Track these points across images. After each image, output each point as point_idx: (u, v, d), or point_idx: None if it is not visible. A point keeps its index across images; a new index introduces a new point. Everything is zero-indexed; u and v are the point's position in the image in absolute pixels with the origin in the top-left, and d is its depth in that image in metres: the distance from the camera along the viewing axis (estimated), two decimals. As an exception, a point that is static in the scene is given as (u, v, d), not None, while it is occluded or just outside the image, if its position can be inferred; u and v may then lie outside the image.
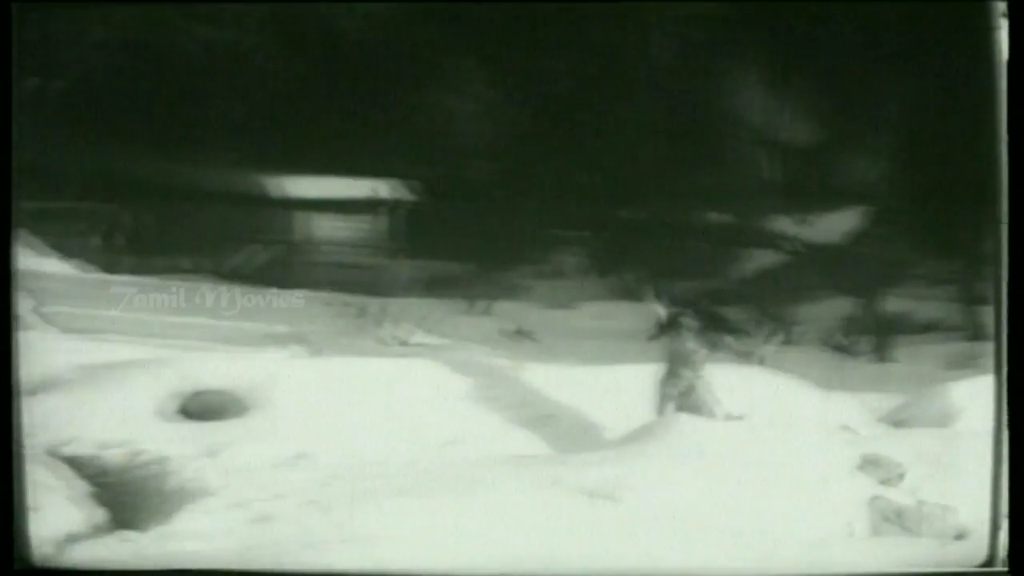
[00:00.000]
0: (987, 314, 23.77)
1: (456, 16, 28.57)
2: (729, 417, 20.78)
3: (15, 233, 13.52)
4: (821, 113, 27.88)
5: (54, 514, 16.85)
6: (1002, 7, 12.02)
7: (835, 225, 27.14)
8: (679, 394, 20.82)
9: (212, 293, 26.31)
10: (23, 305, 24.49)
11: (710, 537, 17.19)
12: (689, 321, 21.56)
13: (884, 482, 18.33)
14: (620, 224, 28.46)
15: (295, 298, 26.06)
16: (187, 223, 28.88)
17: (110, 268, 27.97)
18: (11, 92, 12.83)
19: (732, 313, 24.80)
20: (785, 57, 27.80)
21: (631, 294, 27.04)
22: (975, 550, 16.56)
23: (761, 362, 24.69)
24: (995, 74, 12.67)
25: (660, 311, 21.83)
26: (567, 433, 20.69)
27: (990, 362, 21.17)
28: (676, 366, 21.10)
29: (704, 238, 28.78)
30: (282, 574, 10.39)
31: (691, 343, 21.44)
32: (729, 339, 22.02)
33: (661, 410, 20.54)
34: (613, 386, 21.56)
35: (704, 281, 27.91)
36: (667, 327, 21.50)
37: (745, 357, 23.85)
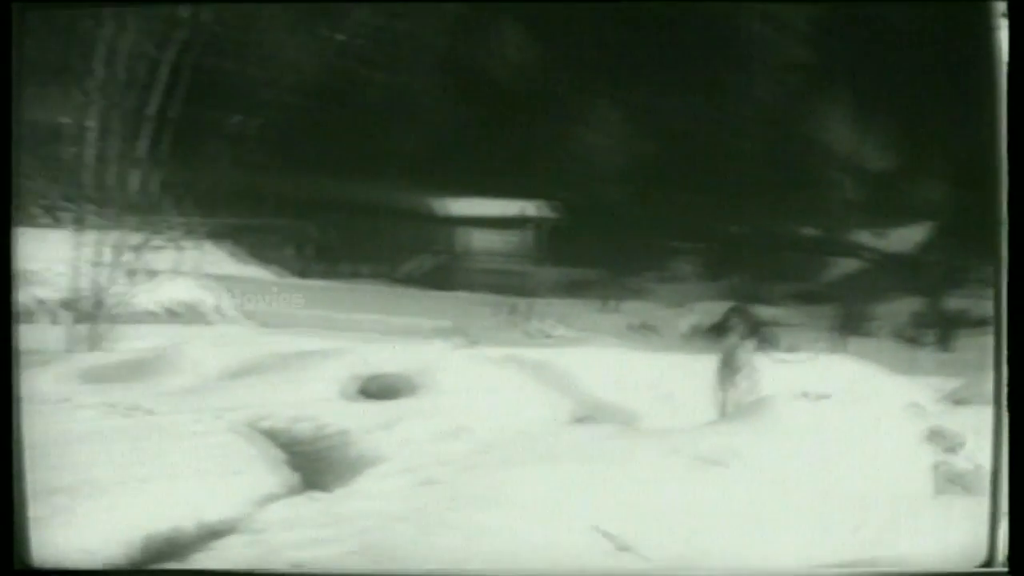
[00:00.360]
0: None
1: (594, 63, 31.23)
2: (819, 396, 21.91)
3: (15, 233, 12.72)
4: (893, 143, 31.33)
5: (254, 478, 17.69)
6: (1002, 7, 11.47)
7: (905, 237, 28.50)
8: (731, 382, 23.19)
9: (388, 294, 30.26)
10: (229, 303, 29.46)
11: (804, 493, 17.93)
12: (737, 323, 23.43)
13: (947, 450, 20.27)
14: (728, 237, 30.46)
15: (456, 298, 29.77)
16: (367, 236, 31.90)
17: (302, 274, 31.41)
18: (11, 92, 12.02)
19: (781, 315, 27.48)
20: (862, 97, 30.36)
21: (737, 295, 29.20)
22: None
23: (845, 350, 27.16)
24: (995, 74, 11.70)
25: (712, 315, 23.64)
26: (683, 410, 22.30)
27: None
28: (728, 360, 23.53)
29: (798, 248, 29.71)
30: (283, 574, 10.48)
31: (739, 341, 23.57)
32: (771, 338, 23.42)
33: (718, 393, 23.23)
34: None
35: (797, 284, 29.53)
36: (719, 328, 23.48)
37: (794, 352, 25.17)
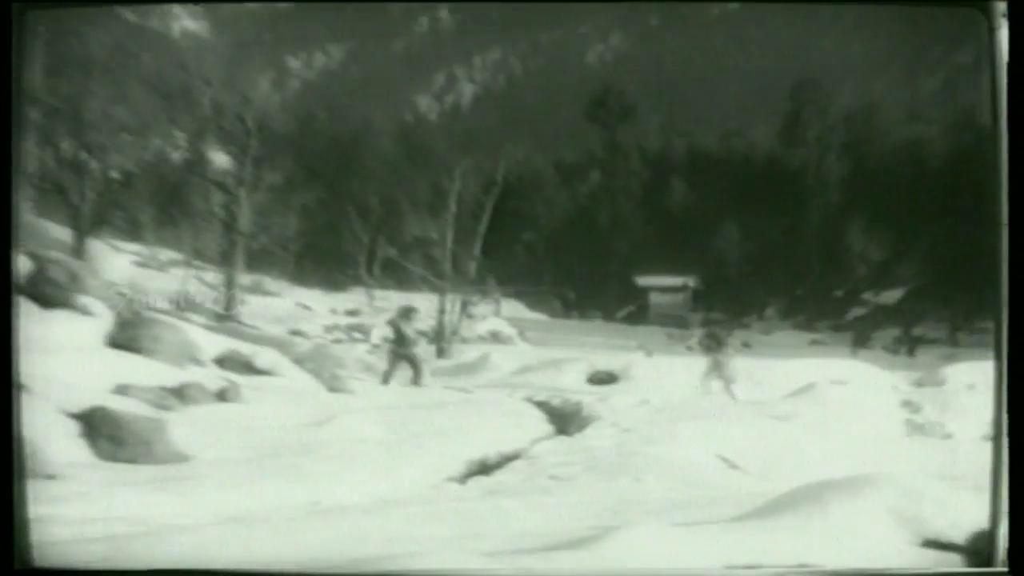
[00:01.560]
0: (962, 333, 30.54)
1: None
2: (841, 382, 23.26)
3: (15, 234, 9.20)
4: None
5: (530, 428, 17.63)
6: (1002, 7, 8.57)
7: (890, 296, 32.25)
8: (714, 379, 24.14)
9: (608, 328, 33.49)
10: (518, 334, 32.26)
11: (836, 433, 18.61)
12: (717, 337, 24.67)
13: (913, 411, 21.49)
14: (796, 297, 33.59)
15: (646, 330, 30.76)
16: (599, 296, 34.90)
17: (561, 316, 36.38)
18: (11, 92, 8.88)
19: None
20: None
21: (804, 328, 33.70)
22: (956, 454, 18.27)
23: (856, 354, 30.20)
24: (995, 74, 8.62)
25: (699, 332, 25.38)
26: (768, 390, 23.60)
27: (962, 356, 27.67)
28: (712, 363, 24.27)
29: (833, 302, 33.52)
30: (283, 574, 7.67)
31: (719, 349, 24.58)
32: (726, 347, 24.94)
33: (704, 388, 23.86)
34: (791, 370, 25.13)
35: (834, 320, 32.58)
36: (704, 340, 24.75)
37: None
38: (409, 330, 22.76)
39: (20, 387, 9.30)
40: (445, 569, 6.94)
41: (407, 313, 23.04)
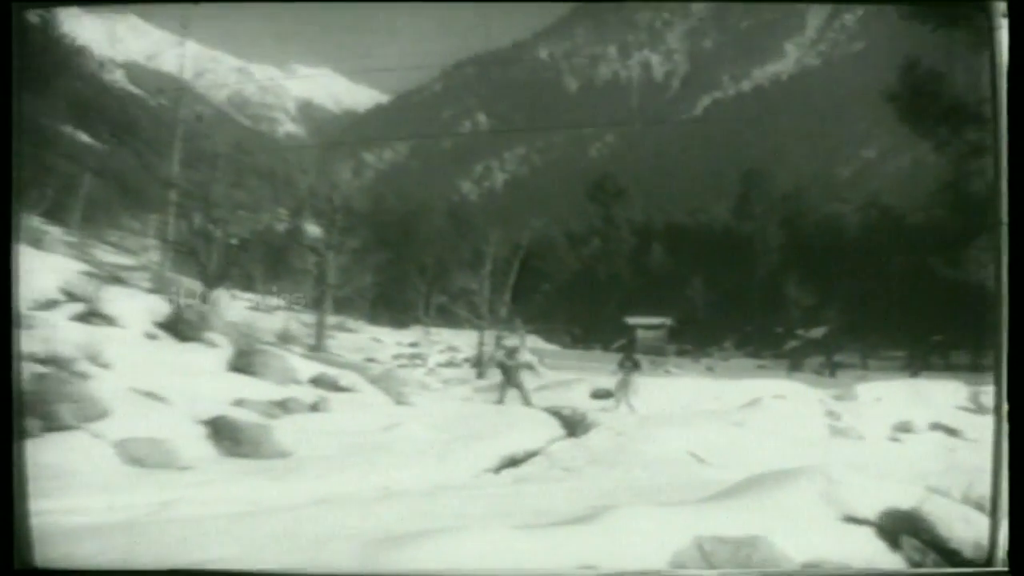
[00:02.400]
0: (871, 360, 29.67)
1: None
2: (777, 397, 22.20)
3: (15, 235, 8.84)
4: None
5: (548, 432, 17.31)
6: (1002, 7, 7.95)
7: (815, 333, 32.79)
8: (624, 392, 22.43)
9: (604, 356, 31.85)
10: (537, 360, 29.57)
11: (775, 434, 18.36)
12: (633, 361, 23.35)
13: (833, 419, 20.61)
14: (748, 331, 32.36)
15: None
16: (597, 332, 34.42)
17: (568, 347, 34.62)
18: (11, 92, 8.50)
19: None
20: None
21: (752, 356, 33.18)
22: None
23: (792, 376, 29.24)
24: (995, 73, 8.01)
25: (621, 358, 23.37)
26: (726, 402, 22.00)
27: (871, 377, 26.68)
28: (623, 379, 22.63)
29: (775, 337, 32.19)
30: (281, 574, 6.88)
31: (632, 371, 23.06)
32: (638, 369, 23.65)
33: (617, 399, 22.16)
34: (743, 388, 23.40)
35: (771, 350, 33.67)
36: (624, 362, 23.32)
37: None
38: (512, 363, 22.63)
39: (21, 391, 8.62)
40: (445, 569, 6.67)
41: (510, 352, 23.30)
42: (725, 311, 31.79)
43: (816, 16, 56.00)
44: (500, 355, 24.20)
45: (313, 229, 30.15)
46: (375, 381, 19.48)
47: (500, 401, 21.65)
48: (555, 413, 19.78)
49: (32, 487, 8.00)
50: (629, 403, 21.93)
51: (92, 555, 7.33)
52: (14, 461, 7.95)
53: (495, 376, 26.66)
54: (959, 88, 24.52)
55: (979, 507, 8.41)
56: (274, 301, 30.66)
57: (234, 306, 27.83)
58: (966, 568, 7.83)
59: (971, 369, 28.23)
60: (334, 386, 17.59)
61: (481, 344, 28.61)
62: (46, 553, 7.74)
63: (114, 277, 19.68)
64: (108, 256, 24.93)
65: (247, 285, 30.81)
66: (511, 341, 29.92)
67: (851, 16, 52.43)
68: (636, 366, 23.13)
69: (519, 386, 22.02)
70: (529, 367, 22.12)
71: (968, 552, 7.98)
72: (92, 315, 16.49)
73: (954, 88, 24.71)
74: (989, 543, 7.85)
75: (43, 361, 12.99)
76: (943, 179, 25.51)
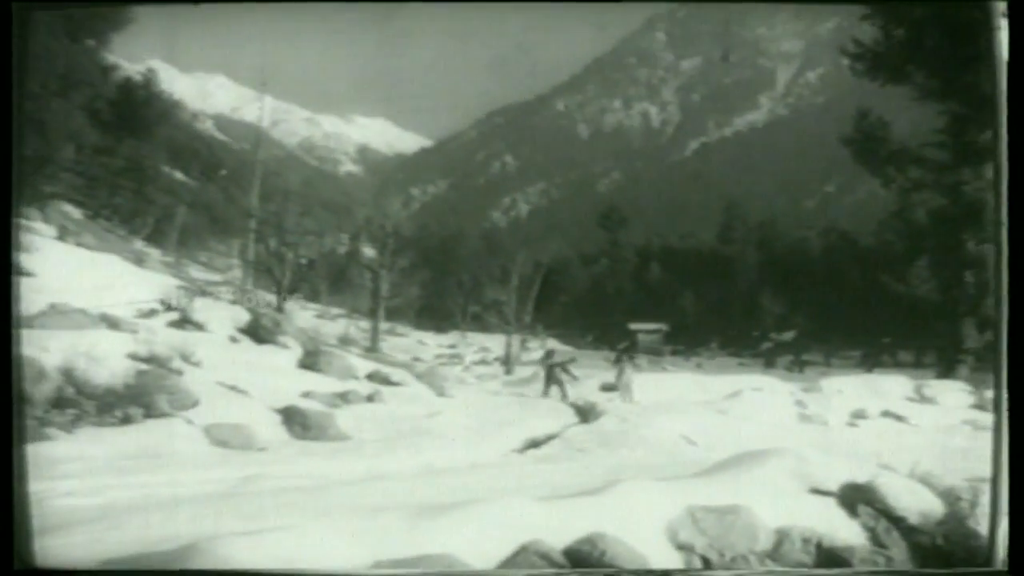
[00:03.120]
0: (833, 359, 29.08)
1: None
2: (755, 389, 21.94)
3: (15, 235, 7.34)
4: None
5: (563, 419, 17.02)
6: (1002, 7, 6.75)
7: (785, 337, 32.08)
8: (621, 384, 21.88)
9: (612, 356, 29.09)
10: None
11: (751, 419, 18.27)
12: (622, 358, 23.39)
13: (801, 407, 20.26)
14: (731, 335, 32.47)
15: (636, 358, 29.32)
16: (607, 336, 32.14)
17: (582, 347, 32.86)
18: (11, 92, 6.95)
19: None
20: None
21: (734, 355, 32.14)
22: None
23: (767, 372, 28.76)
24: (996, 73, 6.73)
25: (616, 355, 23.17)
26: (713, 394, 21.37)
27: (833, 373, 26.04)
28: (620, 373, 22.05)
29: (753, 340, 31.92)
30: (281, 574, 5.88)
31: (623, 366, 22.58)
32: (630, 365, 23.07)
33: (619, 389, 21.58)
34: (727, 382, 22.99)
35: (749, 350, 32.60)
36: (615, 360, 23.12)
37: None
38: (553, 363, 21.95)
39: (21, 397, 7.45)
40: (447, 569, 6.21)
41: (549, 355, 23.09)
42: (711, 318, 31.93)
43: (785, 73, 56.14)
44: (543, 359, 23.57)
45: (369, 251, 30.38)
46: (420, 377, 19.34)
47: (545, 395, 21.04)
48: (570, 403, 19.45)
49: (32, 487, 6.83)
50: (629, 392, 21.45)
51: (189, 521, 7.18)
52: (14, 461, 6.78)
53: (522, 372, 26.74)
54: (903, 134, 25.58)
55: (923, 481, 8.13)
56: (336, 311, 31.12)
57: (303, 314, 28.31)
58: (966, 568, 7.15)
59: (915, 366, 28.46)
60: (386, 381, 17.48)
61: (509, 346, 28.33)
62: (150, 519, 7.41)
63: (203, 291, 19.37)
64: (198, 273, 25.05)
65: (314, 297, 31.14)
66: (542, 344, 30.38)
67: (813, 74, 52.64)
68: (630, 361, 22.73)
69: (560, 383, 21.42)
70: (565, 369, 21.72)
71: (913, 519, 7.67)
72: (185, 322, 16.59)
73: (898, 134, 25.58)
74: (989, 543, 6.97)
75: (144, 360, 13.10)
76: (890, 209, 25.69)
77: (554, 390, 21.33)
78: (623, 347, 31.66)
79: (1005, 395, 6.87)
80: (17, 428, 6.88)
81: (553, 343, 29.75)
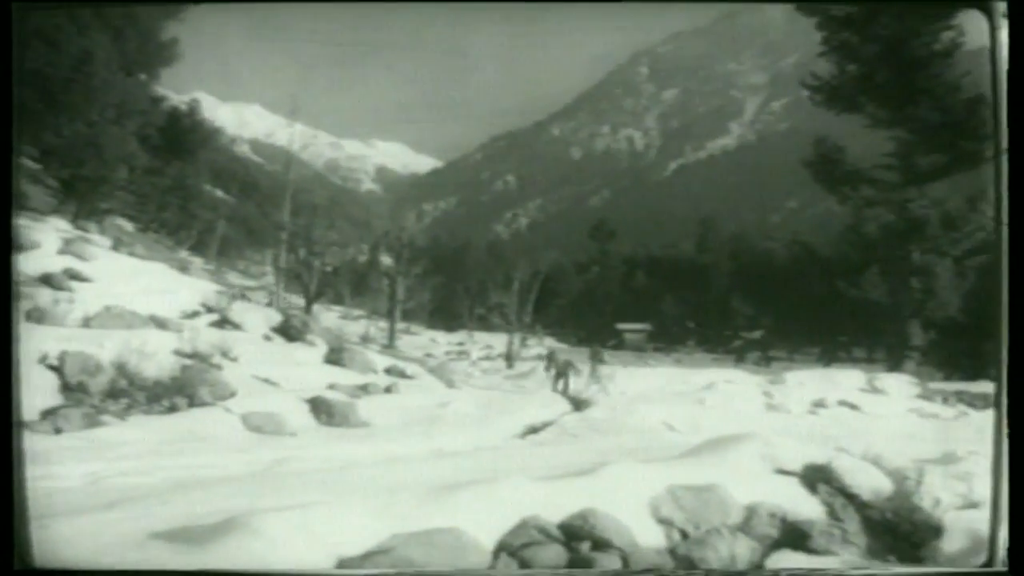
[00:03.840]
0: (795, 355, 28.69)
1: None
2: (728, 382, 21.97)
3: (15, 236, 6.44)
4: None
5: (562, 407, 17.45)
6: (1002, 7, 6.12)
7: (754, 335, 30.48)
8: (595, 382, 21.10)
9: (602, 353, 27.98)
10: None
11: (729, 406, 18.32)
12: (599, 355, 22.21)
13: (768, 397, 20.03)
14: (707, 334, 32.07)
15: (620, 354, 28.78)
16: (596, 334, 31.78)
17: (573, 346, 32.37)
18: (11, 92, 6.11)
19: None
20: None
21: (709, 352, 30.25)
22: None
23: (738, 366, 27.68)
24: (996, 72, 6.09)
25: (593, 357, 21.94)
26: (691, 386, 21.34)
27: (795, 367, 25.54)
28: (592, 368, 21.50)
29: (725, 338, 31.72)
30: (282, 574, 5.63)
31: (598, 362, 22.00)
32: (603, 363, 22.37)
33: (588, 387, 20.45)
34: (703, 375, 22.78)
35: (722, 347, 31.74)
36: (592, 353, 22.30)
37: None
38: (557, 363, 21.46)
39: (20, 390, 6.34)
40: (447, 570, 6.11)
41: (552, 354, 22.46)
42: (689, 319, 31.97)
43: (752, 103, 56.48)
44: (549, 356, 22.95)
45: (386, 260, 30.43)
46: (432, 370, 19.30)
47: (554, 390, 20.32)
48: (564, 394, 19.24)
49: (31, 488, 6.24)
50: (603, 386, 20.82)
51: (227, 497, 7.18)
52: (14, 462, 6.20)
53: (522, 366, 26.58)
54: (856, 157, 25.79)
55: (874, 462, 8.19)
56: (358, 312, 31.16)
57: (328, 316, 28.47)
58: (966, 568, 6.63)
59: (867, 361, 28.67)
60: (402, 374, 17.38)
61: (510, 343, 28.22)
62: (193, 495, 7.45)
63: (240, 295, 19.19)
64: (236, 279, 25.10)
65: (338, 300, 31.20)
66: (540, 341, 30.35)
67: (777, 104, 53.05)
68: (600, 360, 22.03)
69: (566, 380, 20.92)
70: (571, 365, 21.41)
71: (866, 495, 7.74)
72: (224, 322, 16.55)
73: (852, 157, 25.81)
74: (989, 543, 6.33)
75: (188, 355, 13.23)
76: (846, 223, 26.03)
77: (560, 384, 20.94)
78: (613, 344, 31.63)
79: (1005, 395, 6.27)
80: (17, 429, 6.37)
81: (550, 341, 29.84)
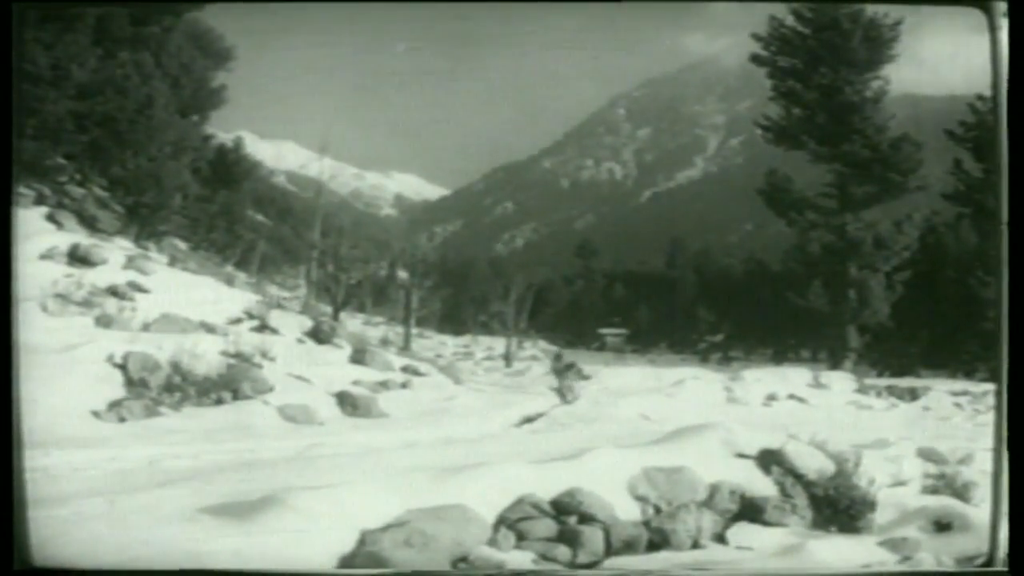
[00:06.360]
0: (752, 355, 27.85)
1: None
2: (694, 378, 21.03)
3: (15, 237, 5.88)
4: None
5: (549, 401, 17.45)
6: (1002, 7, 5.66)
7: (719, 338, 30.64)
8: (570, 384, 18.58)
9: (589, 356, 28.54)
10: (539, 355, 27.76)
11: (697, 400, 17.94)
12: (567, 363, 18.82)
13: (730, 392, 19.53)
14: (676, 337, 32.00)
15: (602, 355, 28.36)
16: (582, 338, 30.83)
17: (562, 348, 29.63)
18: (11, 92, 5.67)
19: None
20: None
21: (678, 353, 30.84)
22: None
23: (703, 366, 27.79)
24: (997, 72, 5.65)
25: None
26: (663, 383, 20.49)
27: (752, 365, 25.03)
28: (566, 375, 18.55)
29: (692, 341, 31.55)
30: (282, 574, 5.34)
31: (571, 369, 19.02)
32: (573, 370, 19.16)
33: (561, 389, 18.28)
34: (673, 373, 21.78)
35: (689, 349, 31.22)
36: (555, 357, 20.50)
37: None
38: (559, 367, 19.65)
39: (19, 388, 5.76)
40: (447, 570, 6.07)
41: (558, 357, 20.70)
42: (660, 325, 31.68)
43: (714, 140, 56.73)
44: (553, 361, 21.03)
45: (402, 274, 30.48)
46: (442, 369, 19.06)
47: (559, 388, 18.76)
48: (554, 389, 18.63)
49: (31, 488, 5.75)
50: (569, 391, 18.56)
51: (265, 478, 7.25)
52: (14, 462, 5.66)
53: (518, 365, 26.43)
54: (802, 186, 25.91)
55: (819, 448, 8.34)
56: (377, 319, 31.17)
57: (353, 322, 28.33)
58: (966, 568, 6.13)
59: (812, 361, 28.56)
60: (415, 372, 17.12)
61: (508, 346, 27.81)
62: (236, 476, 7.50)
63: (277, 304, 19.11)
64: (274, 291, 24.98)
65: (361, 309, 31.17)
66: (534, 344, 30.00)
67: (735, 141, 53.22)
68: (569, 367, 19.31)
69: (569, 381, 19.35)
70: (572, 367, 20.76)
71: (812, 476, 7.89)
72: (264, 327, 16.39)
73: (798, 186, 25.93)
74: (989, 543, 5.89)
75: (233, 356, 13.19)
76: (793, 243, 26.20)
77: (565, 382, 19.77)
78: (597, 347, 31.40)
79: (1005, 395, 5.80)
80: (17, 429, 5.76)
81: (543, 343, 29.68)
